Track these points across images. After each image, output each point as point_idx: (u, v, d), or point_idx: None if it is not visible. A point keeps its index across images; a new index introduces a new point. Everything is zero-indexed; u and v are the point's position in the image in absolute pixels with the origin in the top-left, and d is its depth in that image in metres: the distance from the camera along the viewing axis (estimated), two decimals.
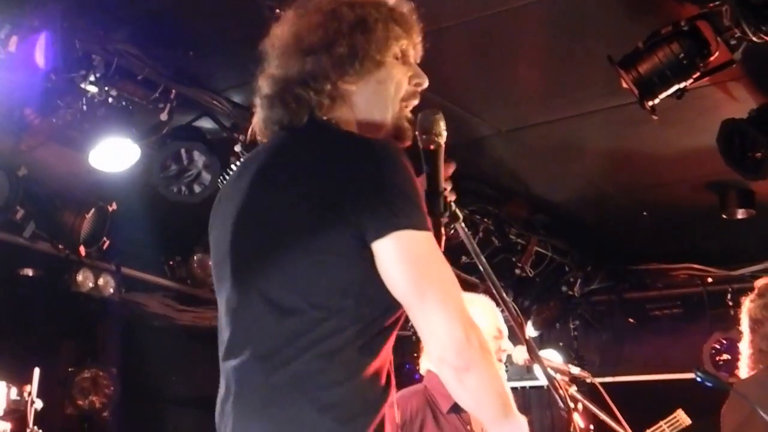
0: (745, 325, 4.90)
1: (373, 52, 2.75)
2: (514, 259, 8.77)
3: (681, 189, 8.22)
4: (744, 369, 4.88)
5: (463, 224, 2.86)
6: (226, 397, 2.62)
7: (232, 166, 6.55)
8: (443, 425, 4.37)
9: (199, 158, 6.45)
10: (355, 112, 2.78)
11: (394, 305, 2.56)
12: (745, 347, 4.89)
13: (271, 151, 2.76)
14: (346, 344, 2.51)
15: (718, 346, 9.47)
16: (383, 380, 2.59)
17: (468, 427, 4.45)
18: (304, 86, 2.73)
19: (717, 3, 5.35)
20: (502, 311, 4.33)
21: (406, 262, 2.50)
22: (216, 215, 2.85)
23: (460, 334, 2.49)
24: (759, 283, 5.00)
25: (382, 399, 2.56)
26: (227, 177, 6.51)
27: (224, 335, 2.67)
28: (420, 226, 2.51)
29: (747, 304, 4.92)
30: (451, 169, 2.86)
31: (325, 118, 2.73)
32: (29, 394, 6.04)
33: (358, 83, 2.75)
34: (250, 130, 2.90)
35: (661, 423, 6.96)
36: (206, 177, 6.47)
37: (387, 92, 2.79)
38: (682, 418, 6.97)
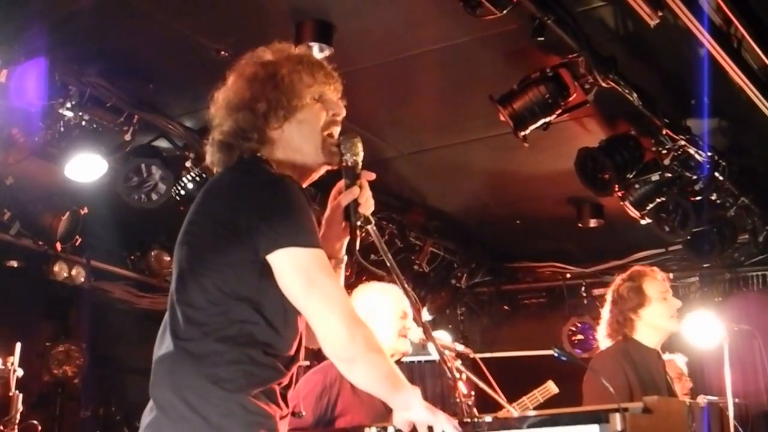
0: (609, 298, 4.89)
1: (287, 102, 2.77)
2: (413, 257, 8.76)
3: (546, 202, 8.29)
4: (602, 334, 4.89)
5: (374, 227, 2.87)
6: (153, 367, 2.64)
7: (183, 180, 6.51)
8: (358, 392, 4.34)
9: (156, 172, 6.38)
10: (284, 149, 2.79)
11: (283, 307, 2.59)
12: (605, 316, 4.89)
13: (209, 184, 2.81)
14: (240, 334, 2.54)
15: (573, 329, 9.54)
16: (277, 362, 2.59)
17: None
18: (235, 137, 2.77)
19: (575, 55, 5.42)
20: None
21: (294, 272, 2.54)
22: None
23: (344, 332, 2.52)
24: (633, 268, 4.99)
25: (270, 377, 2.57)
26: (180, 188, 6.50)
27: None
28: (305, 244, 2.55)
29: (617, 282, 4.86)
30: (371, 177, 2.89)
31: (258, 155, 2.76)
32: (12, 364, 5.93)
33: (282, 127, 2.78)
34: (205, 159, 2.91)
35: (534, 391, 6.96)
36: (162, 187, 6.40)
37: (308, 128, 2.80)
38: (551, 387, 6.96)
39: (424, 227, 8.79)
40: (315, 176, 2.88)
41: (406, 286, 2.89)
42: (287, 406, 2.66)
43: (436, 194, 8.31)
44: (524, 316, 10.41)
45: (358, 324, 2.56)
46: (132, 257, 8.41)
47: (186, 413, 2.47)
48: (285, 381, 2.63)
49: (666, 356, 6.30)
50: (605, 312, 4.89)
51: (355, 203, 2.82)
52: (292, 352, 2.65)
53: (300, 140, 2.80)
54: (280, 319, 2.59)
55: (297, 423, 2.72)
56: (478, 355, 4.41)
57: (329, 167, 2.86)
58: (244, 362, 2.52)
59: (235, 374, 2.51)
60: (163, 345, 2.61)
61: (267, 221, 2.54)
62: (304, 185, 2.82)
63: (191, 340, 2.55)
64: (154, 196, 6.42)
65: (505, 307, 10.46)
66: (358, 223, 2.81)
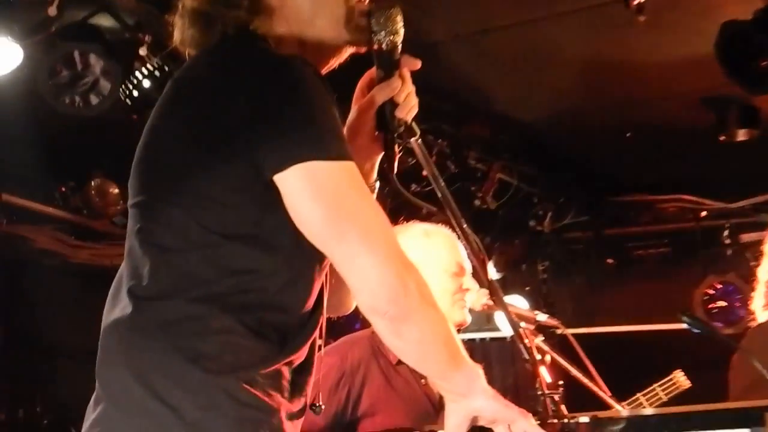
0: None
1: None
2: (473, 189, 8.79)
3: (672, 105, 8.26)
4: (760, 303, 4.91)
5: (420, 141, 2.87)
6: (101, 339, 2.67)
7: (137, 73, 6.51)
8: (392, 378, 4.36)
9: (96, 63, 6.39)
10: (288, 22, 2.80)
11: (296, 249, 2.60)
12: (763, 277, 4.92)
13: (181, 73, 2.82)
14: (233, 291, 2.57)
15: (712, 292, 9.54)
16: (285, 332, 2.63)
17: (423, 381, 4.45)
18: (215, 3, 2.78)
19: None
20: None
21: (317, 197, 2.53)
22: None
23: (393, 277, 2.54)
24: None
25: (274, 353, 2.60)
26: (132, 87, 6.52)
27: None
28: (332, 155, 2.54)
29: None
30: (416, 65, 2.89)
31: (250, 29, 2.75)
32: None
33: None
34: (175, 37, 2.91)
35: (655, 386, 6.93)
36: (105, 85, 6.41)
37: None
38: (679, 380, 6.93)
39: (490, 144, 8.78)
40: (334, 62, 2.90)
41: (465, 226, 2.91)
42: (301, 396, 2.70)
43: (506, 95, 8.29)
44: (637, 274, 10.43)
45: (410, 267, 2.59)
46: (63, 190, 8.47)
47: (149, 403, 2.49)
48: (297, 359, 2.66)
49: None
50: (763, 271, 4.90)
51: (392, 104, 2.82)
52: (308, 316, 2.69)
53: (313, 9, 2.81)
54: (291, 268, 2.62)
55: (306, 423, 2.76)
56: (569, 330, 4.45)
57: (355, 49, 2.85)
58: (237, 331, 2.54)
59: (223, 348, 2.53)
60: (117, 306, 2.64)
61: (273, 123, 2.53)
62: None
63: (159, 298, 2.57)
64: (94, 99, 6.44)
65: (609, 261, 10.49)
66: (397, 133, 2.81)
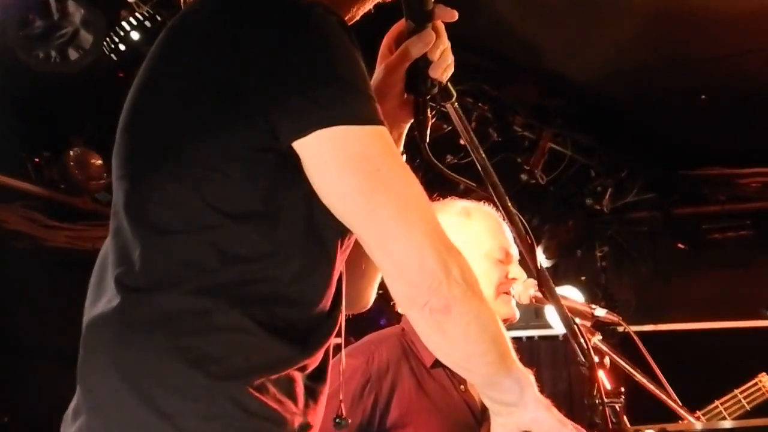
0: None
1: None
2: (519, 160, 8.79)
3: (754, 61, 8.23)
4: None
5: (457, 105, 2.88)
6: (83, 337, 2.67)
7: (123, 24, 6.52)
8: (425, 383, 4.33)
9: (76, 11, 6.41)
10: None
11: (319, 231, 2.63)
12: None
13: (179, 21, 2.82)
14: (239, 280, 2.57)
15: None
16: (299, 331, 2.63)
17: (462, 386, 4.44)
18: None
19: None
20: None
21: (344, 168, 2.54)
22: None
23: (433, 262, 2.54)
24: None
25: (287, 356, 2.61)
26: (118, 39, 6.53)
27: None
28: (361, 118, 2.54)
29: None
30: (452, 16, 2.89)
31: None
32: None
33: None
34: None
35: (736, 393, 6.93)
36: (86, 38, 6.44)
37: None
38: (765, 386, 6.90)
39: (539, 108, 8.77)
40: (358, 12, 2.91)
41: (509, 205, 2.92)
42: (315, 405, 2.70)
43: (558, 50, 8.29)
44: (713, 261, 10.42)
45: (452, 251, 2.59)
46: (37, 161, 8.49)
47: (141, 413, 2.50)
48: (312, 363, 2.68)
49: None
50: None
51: (425, 62, 2.84)
52: (327, 313, 2.70)
53: None
54: (307, 254, 2.63)
55: None
56: (632, 328, 4.45)
57: None
58: (245, 329, 2.55)
59: (229, 349, 2.54)
60: (102, 298, 2.65)
61: (292, 81, 2.53)
62: None
63: (153, 289, 2.58)
64: (73, 54, 6.47)
65: (680, 246, 10.47)
66: (431, 95, 2.82)
